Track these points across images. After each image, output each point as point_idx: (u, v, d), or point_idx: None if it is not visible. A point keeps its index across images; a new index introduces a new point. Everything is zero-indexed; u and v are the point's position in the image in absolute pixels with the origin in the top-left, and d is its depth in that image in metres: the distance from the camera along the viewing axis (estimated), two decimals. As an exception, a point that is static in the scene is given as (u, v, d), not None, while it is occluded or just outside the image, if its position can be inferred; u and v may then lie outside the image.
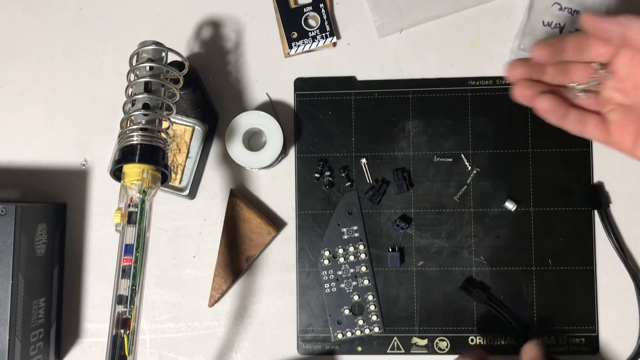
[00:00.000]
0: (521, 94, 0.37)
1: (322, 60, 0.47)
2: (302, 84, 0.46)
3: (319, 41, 0.46)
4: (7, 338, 0.39)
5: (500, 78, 0.45)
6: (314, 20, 0.46)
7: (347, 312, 0.44)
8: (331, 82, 0.46)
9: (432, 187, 0.45)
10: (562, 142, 0.45)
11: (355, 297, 0.44)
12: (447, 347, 0.44)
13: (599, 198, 0.44)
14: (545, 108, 0.37)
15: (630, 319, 0.44)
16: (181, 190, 0.45)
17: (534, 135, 0.45)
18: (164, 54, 0.39)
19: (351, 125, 0.46)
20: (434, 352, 0.44)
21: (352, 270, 0.45)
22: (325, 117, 0.46)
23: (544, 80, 0.38)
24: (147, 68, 0.38)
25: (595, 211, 0.44)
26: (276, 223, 0.46)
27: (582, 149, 0.45)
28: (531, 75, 0.38)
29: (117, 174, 0.38)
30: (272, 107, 0.47)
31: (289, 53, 0.46)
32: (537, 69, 0.38)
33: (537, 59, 0.37)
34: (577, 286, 0.44)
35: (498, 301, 0.44)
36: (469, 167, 0.44)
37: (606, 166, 0.45)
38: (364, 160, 0.45)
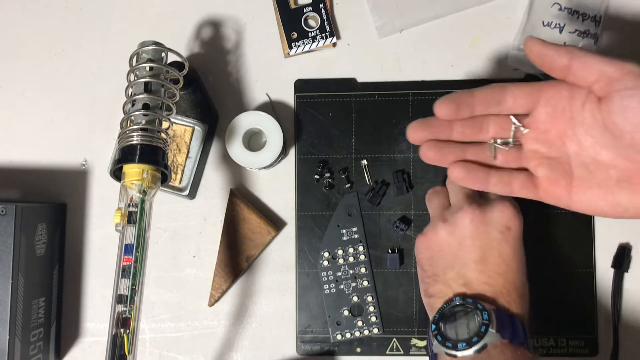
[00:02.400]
0: (429, 157, 0.35)
1: (322, 61, 0.47)
2: (302, 85, 0.46)
3: (319, 41, 0.46)
4: (7, 338, 0.39)
5: (501, 80, 0.45)
6: (314, 21, 0.46)
7: (346, 313, 0.44)
8: (331, 83, 0.46)
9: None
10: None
11: (355, 298, 0.44)
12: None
13: (620, 259, 0.43)
14: (461, 176, 0.35)
15: (629, 320, 0.44)
16: (181, 190, 0.45)
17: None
18: (164, 54, 0.39)
19: (351, 127, 0.45)
20: (433, 353, 0.44)
21: (351, 272, 0.45)
22: (325, 119, 0.46)
23: (453, 139, 0.35)
24: (147, 68, 0.38)
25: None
26: (276, 223, 0.46)
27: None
28: (437, 135, 0.35)
29: (117, 174, 0.38)
30: (272, 107, 0.47)
31: (289, 53, 0.46)
32: (443, 127, 0.35)
33: (442, 117, 0.34)
34: (576, 288, 0.44)
35: None
36: None
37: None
38: (364, 162, 0.45)
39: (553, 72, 0.33)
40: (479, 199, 0.38)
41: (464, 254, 0.36)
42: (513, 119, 0.35)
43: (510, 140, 0.35)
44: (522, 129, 0.35)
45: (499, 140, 0.35)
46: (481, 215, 0.36)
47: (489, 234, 0.35)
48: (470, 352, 0.32)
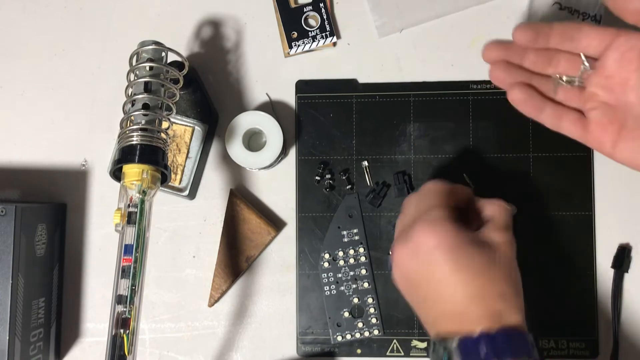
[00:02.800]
0: (496, 76, 0.36)
1: (322, 60, 0.46)
2: (303, 86, 0.46)
3: (319, 41, 0.46)
4: (7, 338, 0.39)
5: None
6: (314, 20, 0.46)
7: (346, 314, 0.44)
8: (332, 84, 0.46)
9: (432, 188, 0.45)
10: (563, 147, 0.44)
11: (355, 300, 0.44)
12: (446, 348, 0.44)
13: (621, 259, 0.43)
14: (519, 99, 0.35)
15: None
16: (181, 190, 0.44)
17: (535, 140, 0.45)
18: (163, 53, 0.39)
19: (352, 128, 0.45)
20: (433, 353, 0.44)
21: (352, 273, 0.44)
22: (326, 120, 0.46)
23: (523, 66, 0.36)
24: (147, 68, 0.38)
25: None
26: (276, 223, 0.46)
27: (582, 153, 0.45)
28: (510, 58, 0.36)
29: (117, 174, 0.38)
30: (272, 107, 0.46)
31: (289, 53, 0.46)
32: (517, 52, 0.35)
33: (519, 42, 0.35)
34: (576, 289, 0.44)
35: None
36: (472, 186, 0.44)
37: (606, 171, 0.45)
38: (364, 163, 0.45)
39: (626, 16, 0.33)
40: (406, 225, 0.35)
41: (415, 298, 0.34)
42: (583, 57, 0.35)
43: (576, 79, 0.35)
44: (588, 69, 0.35)
45: (564, 77, 0.35)
46: (406, 250, 0.33)
47: (420, 266, 0.33)
48: None
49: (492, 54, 0.36)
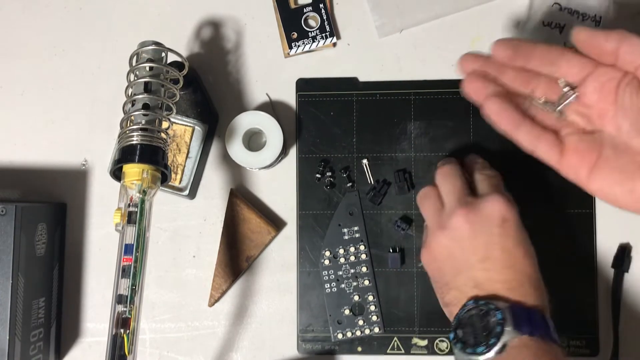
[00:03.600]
0: (471, 87, 0.34)
1: (322, 61, 0.47)
2: (304, 85, 0.46)
3: (319, 41, 0.46)
4: (7, 338, 0.39)
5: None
6: (314, 21, 0.46)
7: (347, 312, 0.44)
8: (333, 82, 0.46)
9: (432, 187, 0.45)
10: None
11: (356, 298, 0.44)
12: (447, 347, 0.44)
13: (621, 259, 0.43)
14: (496, 110, 0.34)
15: (630, 320, 0.44)
16: (181, 190, 0.45)
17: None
18: (163, 54, 0.39)
19: (353, 126, 0.45)
20: (434, 353, 0.44)
21: (352, 271, 0.44)
22: (326, 118, 0.46)
23: (500, 82, 0.35)
24: (147, 68, 0.38)
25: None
26: (276, 223, 0.46)
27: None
28: (487, 71, 0.34)
29: (117, 174, 0.38)
30: (272, 107, 0.46)
31: (289, 53, 0.46)
32: (495, 67, 0.34)
33: (497, 58, 0.33)
34: (577, 288, 0.44)
35: None
36: None
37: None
38: (365, 161, 0.45)
39: (602, 58, 0.33)
40: (470, 196, 0.37)
41: (468, 256, 0.35)
42: (562, 83, 0.34)
43: (554, 104, 0.34)
44: (570, 97, 0.34)
45: (541, 100, 0.34)
46: (475, 213, 0.35)
47: (487, 230, 0.35)
48: (491, 354, 0.32)
49: (468, 65, 0.34)
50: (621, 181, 0.33)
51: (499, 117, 0.34)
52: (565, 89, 0.34)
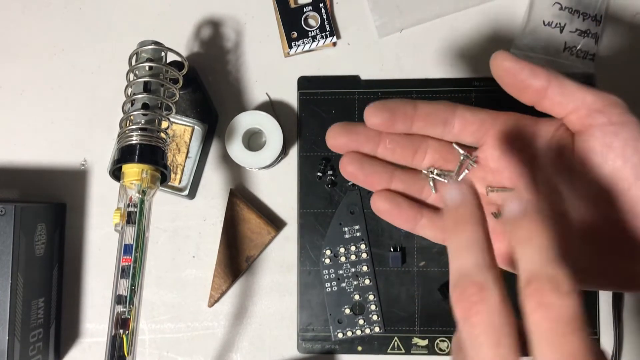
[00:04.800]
0: (347, 172, 0.28)
1: (322, 60, 0.46)
2: (305, 83, 0.46)
3: (319, 41, 0.46)
4: (7, 338, 0.38)
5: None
6: (314, 20, 0.46)
7: (347, 311, 0.44)
8: (335, 80, 0.46)
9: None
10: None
11: (356, 297, 0.44)
12: (447, 347, 0.44)
13: None
14: (383, 210, 0.28)
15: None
16: (181, 190, 0.44)
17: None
18: (163, 53, 0.39)
19: (352, 125, 0.45)
20: (434, 353, 0.44)
21: (353, 270, 0.44)
22: (328, 116, 0.46)
23: (378, 155, 0.28)
24: (147, 68, 0.38)
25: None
26: (276, 223, 0.46)
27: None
28: (360, 145, 0.28)
29: (116, 174, 0.38)
30: (272, 107, 0.46)
31: (288, 53, 0.46)
32: (370, 137, 0.28)
33: (372, 126, 0.27)
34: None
35: None
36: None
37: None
38: (364, 160, 0.45)
39: (524, 95, 0.26)
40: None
41: None
42: (456, 147, 0.28)
43: (453, 174, 0.28)
44: (471, 163, 0.28)
45: (435, 171, 0.28)
46: None
47: None
48: None
49: (337, 141, 0.28)
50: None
51: (391, 217, 0.28)
52: (463, 154, 0.28)
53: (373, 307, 0.44)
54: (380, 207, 0.28)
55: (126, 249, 0.35)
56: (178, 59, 0.39)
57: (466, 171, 0.28)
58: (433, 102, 0.28)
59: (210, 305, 0.45)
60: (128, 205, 0.36)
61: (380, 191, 0.28)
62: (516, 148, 0.27)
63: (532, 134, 0.27)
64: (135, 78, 0.38)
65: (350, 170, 0.28)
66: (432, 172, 0.28)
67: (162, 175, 0.38)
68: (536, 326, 0.18)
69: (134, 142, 0.36)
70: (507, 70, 0.26)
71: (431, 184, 0.28)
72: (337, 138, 0.28)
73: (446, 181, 0.28)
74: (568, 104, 0.26)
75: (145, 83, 0.37)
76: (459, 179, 0.28)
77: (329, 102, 0.46)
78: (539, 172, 0.27)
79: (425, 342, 0.44)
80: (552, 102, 0.26)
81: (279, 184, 0.46)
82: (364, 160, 0.28)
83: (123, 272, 0.35)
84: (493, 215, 0.28)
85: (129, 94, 0.38)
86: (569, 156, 0.26)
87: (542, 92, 0.26)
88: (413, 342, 0.44)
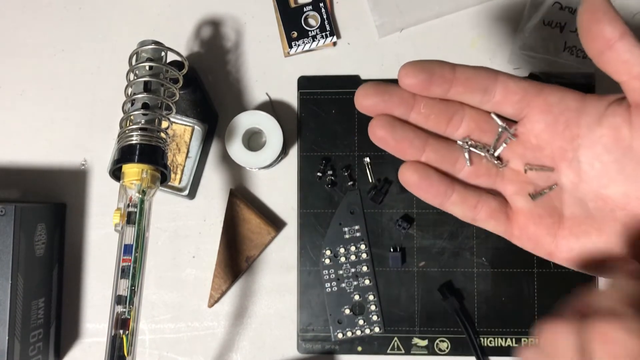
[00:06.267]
0: (376, 135, 0.25)
1: (322, 60, 0.46)
2: (305, 82, 0.46)
3: (319, 41, 0.46)
4: (7, 338, 0.38)
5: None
6: (314, 20, 0.46)
7: (347, 311, 0.44)
8: (335, 80, 0.46)
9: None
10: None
11: (356, 297, 0.44)
12: (447, 348, 0.44)
13: None
14: (412, 183, 0.26)
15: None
16: (181, 190, 0.44)
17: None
18: (163, 53, 0.39)
19: (354, 124, 0.45)
20: (434, 353, 0.44)
21: (353, 270, 0.44)
22: (328, 116, 0.46)
23: (410, 120, 0.26)
24: (147, 67, 0.38)
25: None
26: (276, 223, 0.46)
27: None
28: (393, 108, 0.25)
29: (116, 173, 0.38)
30: (272, 107, 0.46)
31: (289, 52, 0.46)
32: (404, 100, 0.25)
33: (407, 87, 0.24)
34: (578, 288, 0.44)
35: (467, 314, 0.43)
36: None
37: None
38: (367, 160, 0.45)
39: (593, 40, 0.23)
40: None
41: None
42: (495, 117, 0.25)
43: (489, 149, 0.26)
44: (510, 135, 0.26)
45: (469, 142, 0.26)
46: None
47: None
48: None
49: (368, 101, 0.25)
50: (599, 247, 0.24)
51: (419, 191, 0.26)
52: (502, 125, 0.26)
53: (373, 307, 0.44)
54: (410, 179, 0.26)
55: (126, 249, 0.35)
56: (178, 58, 0.39)
57: (504, 145, 0.26)
58: (473, 67, 0.25)
59: (210, 305, 0.45)
60: (128, 205, 0.36)
61: (409, 162, 0.26)
62: (561, 124, 0.25)
63: (579, 110, 0.25)
64: (135, 78, 0.38)
65: (380, 135, 0.25)
66: (467, 143, 0.26)
67: (162, 175, 0.38)
68: None
69: (134, 142, 0.36)
70: (588, 16, 0.23)
71: (466, 155, 0.26)
72: (368, 97, 0.25)
73: (483, 154, 0.26)
74: (634, 66, 0.23)
75: (146, 83, 0.37)
76: (496, 153, 0.26)
77: (329, 102, 0.46)
78: (586, 152, 0.24)
79: (425, 343, 0.44)
80: (617, 58, 0.23)
81: (279, 184, 0.46)
82: (395, 124, 0.25)
83: (123, 272, 0.35)
84: (530, 197, 0.26)
85: (129, 93, 0.38)
86: (626, 137, 0.23)
87: (610, 42, 0.23)
88: (413, 343, 0.44)
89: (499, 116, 0.26)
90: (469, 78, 0.25)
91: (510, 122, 0.26)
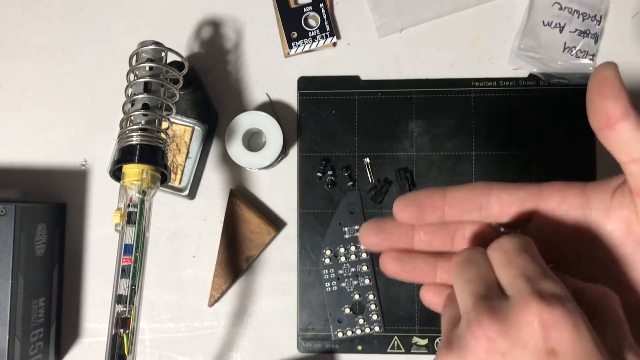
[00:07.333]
0: (389, 270, 0.26)
1: (322, 60, 0.46)
2: (305, 83, 0.46)
3: (319, 41, 0.46)
4: (7, 338, 0.39)
5: (504, 79, 0.45)
6: (314, 20, 0.46)
7: (347, 311, 0.44)
8: (335, 81, 0.46)
9: (433, 187, 0.45)
10: (566, 144, 0.44)
11: (356, 296, 0.44)
12: (447, 347, 0.44)
13: None
14: (433, 305, 0.27)
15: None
16: (181, 190, 0.44)
17: (538, 137, 0.45)
18: (163, 54, 0.39)
19: (354, 125, 0.45)
20: (434, 352, 0.44)
21: (353, 270, 0.44)
22: (328, 116, 0.46)
23: (415, 248, 0.26)
24: (147, 68, 0.38)
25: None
26: (276, 223, 0.46)
27: (585, 149, 0.45)
28: (395, 242, 0.26)
29: (116, 174, 0.38)
30: (272, 107, 0.46)
31: (289, 53, 0.46)
32: (403, 232, 0.26)
33: (402, 221, 0.25)
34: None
35: None
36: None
37: (609, 168, 0.45)
38: (366, 160, 0.45)
39: (595, 113, 0.22)
40: (499, 298, 0.22)
41: None
42: (495, 226, 0.25)
43: None
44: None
45: None
46: (503, 337, 0.20)
47: None
48: None
49: (371, 240, 0.26)
50: None
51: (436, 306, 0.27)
52: (505, 232, 0.25)
53: (373, 306, 0.44)
54: (429, 302, 0.28)
55: (126, 249, 0.35)
56: (178, 59, 0.39)
57: None
58: (464, 187, 0.25)
59: (210, 305, 0.45)
60: (128, 206, 0.36)
61: (427, 286, 0.27)
62: (569, 226, 0.24)
63: (583, 207, 0.24)
64: (135, 78, 0.38)
65: (391, 271, 0.26)
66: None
67: (162, 175, 0.38)
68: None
69: (134, 142, 0.36)
70: (596, 101, 0.22)
71: None
72: (369, 237, 0.26)
73: None
74: (635, 149, 0.21)
75: (146, 83, 0.37)
76: None
77: (329, 102, 0.46)
78: (597, 245, 0.24)
79: (425, 342, 0.44)
80: (618, 138, 0.22)
81: (279, 184, 0.46)
82: (403, 258, 0.26)
83: (123, 272, 0.35)
84: None
85: (129, 94, 0.38)
86: (636, 230, 0.22)
87: (612, 120, 0.22)
88: (413, 342, 0.44)
89: (501, 224, 0.26)
90: (461, 200, 0.25)
91: (516, 225, 0.25)
